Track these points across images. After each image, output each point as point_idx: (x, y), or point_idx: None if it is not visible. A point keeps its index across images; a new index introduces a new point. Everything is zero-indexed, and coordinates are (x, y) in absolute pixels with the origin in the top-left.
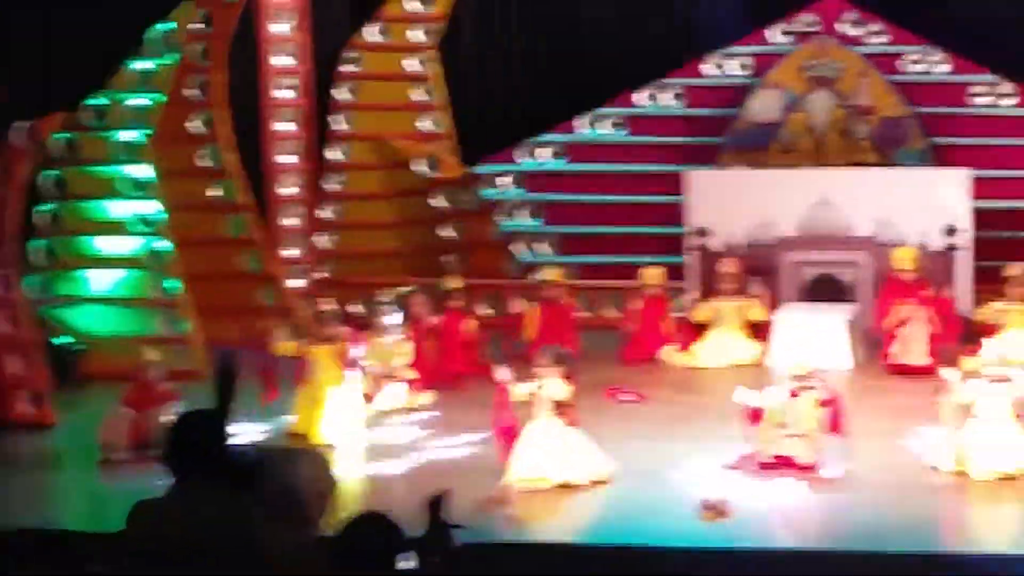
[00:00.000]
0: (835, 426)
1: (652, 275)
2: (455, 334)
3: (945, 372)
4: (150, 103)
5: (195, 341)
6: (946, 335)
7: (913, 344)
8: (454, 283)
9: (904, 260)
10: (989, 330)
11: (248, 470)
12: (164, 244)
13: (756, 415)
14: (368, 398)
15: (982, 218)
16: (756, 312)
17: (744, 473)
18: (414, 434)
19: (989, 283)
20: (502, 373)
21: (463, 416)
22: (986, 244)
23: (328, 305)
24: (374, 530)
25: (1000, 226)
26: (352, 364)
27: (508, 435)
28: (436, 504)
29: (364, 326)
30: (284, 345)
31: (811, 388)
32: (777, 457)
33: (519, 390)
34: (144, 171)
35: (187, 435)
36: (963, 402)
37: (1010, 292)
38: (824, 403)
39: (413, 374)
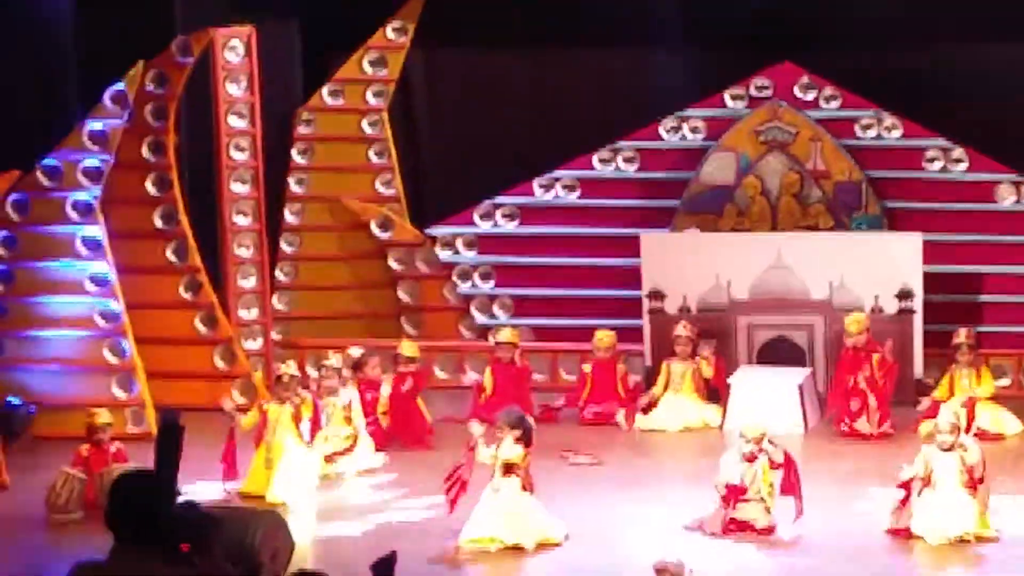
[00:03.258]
0: (789, 488)
1: (604, 338)
2: (409, 397)
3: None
4: (101, 164)
5: (147, 403)
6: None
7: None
8: (408, 346)
9: (854, 326)
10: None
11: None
12: (116, 305)
13: (734, 489)
14: (327, 459)
15: (932, 282)
16: (705, 369)
17: (699, 536)
18: (367, 495)
19: (938, 347)
20: (475, 428)
21: (416, 478)
22: (934, 308)
23: (285, 367)
24: None
25: (950, 290)
26: (311, 425)
27: (457, 489)
28: (382, 566)
29: (317, 388)
30: (245, 420)
31: (764, 451)
32: (733, 520)
33: (484, 452)
34: (95, 232)
35: (126, 496)
36: (917, 468)
37: (960, 357)
38: (778, 466)
39: (366, 436)
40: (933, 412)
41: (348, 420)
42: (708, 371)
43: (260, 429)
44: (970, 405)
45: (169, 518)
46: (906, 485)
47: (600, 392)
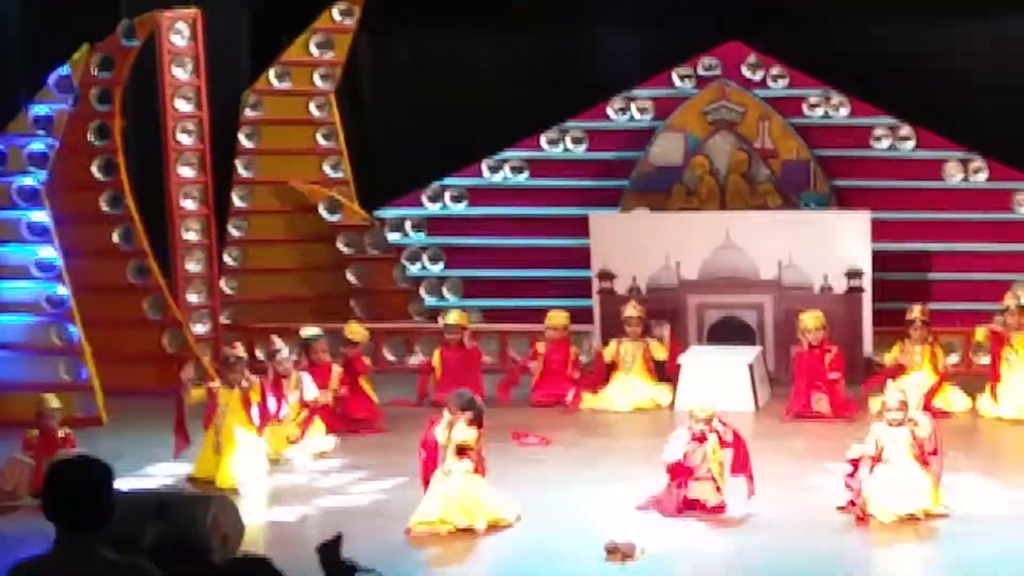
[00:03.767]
0: (740, 468)
1: (557, 318)
2: (356, 380)
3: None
4: (46, 149)
5: (95, 388)
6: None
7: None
8: (356, 328)
9: (812, 322)
10: (893, 372)
11: (139, 521)
12: (63, 290)
13: (679, 468)
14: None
15: (881, 260)
16: (657, 350)
17: (651, 515)
18: (317, 479)
19: (888, 325)
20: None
21: (364, 460)
22: (885, 286)
23: (235, 351)
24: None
25: (899, 268)
26: (260, 409)
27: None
28: (328, 549)
29: (264, 371)
30: (195, 394)
31: (714, 430)
32: (684, 499)
33: (439, 432)
34: (41, 216)
35: (66, 483)
36: (868, 447)
37: (913, 334)
38: (728, 445)
39: (314, 419)
40: (885, 379)
41: (301, 404)
42: (662, 353)
43: (209, 413)
44: (938, 381)
45: (112, 504)
46: (855, 462)
47: (551, 372)
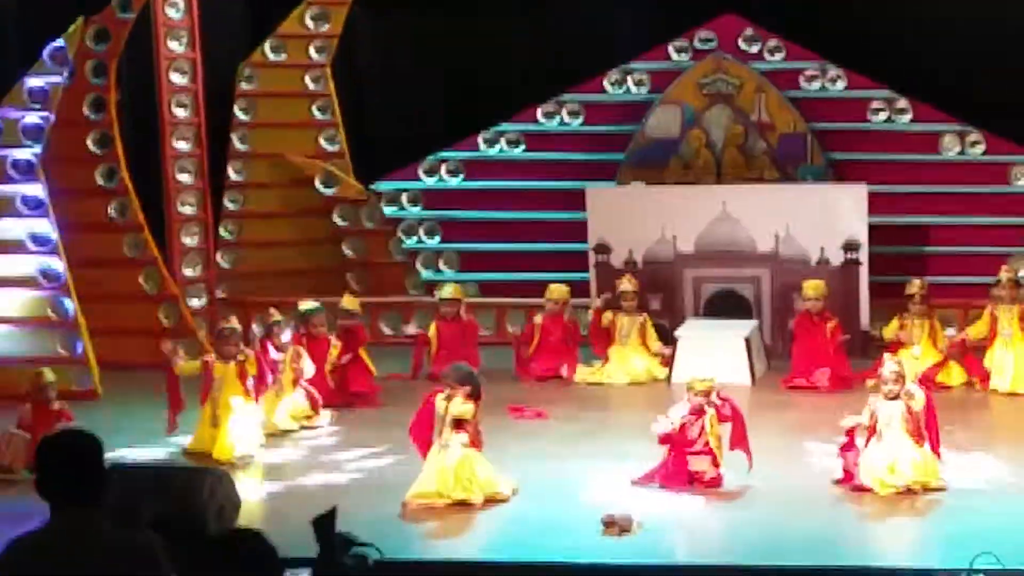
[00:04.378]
0: (738, 442)
1: (557, 291)
2: (354, 353)
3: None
4: (41, 122)
5: (91, 362)
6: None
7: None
8: (349, 300)
9: (812, 290)
10: (891, 346)
11: (137, 494)
12: (58, 264)
13: (669, 439)
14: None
15: (878, 233)
16: (652, 340)
17: (648, 489)
18: (314, 452)
19: (885, 298)
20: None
21: (362, 434)
22: (881, 260)
23: (229, 324)
24: (248, 548)
25: (895, 241)
26: (256, 383)
27: (423, 441)
28: (322, 522)
29: (262, 345)
30: (186, 365)
31: (712, 404)
32: (681, 473)
33: (439, 403)
34: (37, 190)
35: (60, 458)
36: (863, 418)
37: (912, 308)
38: (725, 419)
39: (312, 392)
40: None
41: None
42: (655, 344)
43: (206, 387)
44: (944, 359)
45: (103, 477)
46: (849, 433)
47: (549, 346)
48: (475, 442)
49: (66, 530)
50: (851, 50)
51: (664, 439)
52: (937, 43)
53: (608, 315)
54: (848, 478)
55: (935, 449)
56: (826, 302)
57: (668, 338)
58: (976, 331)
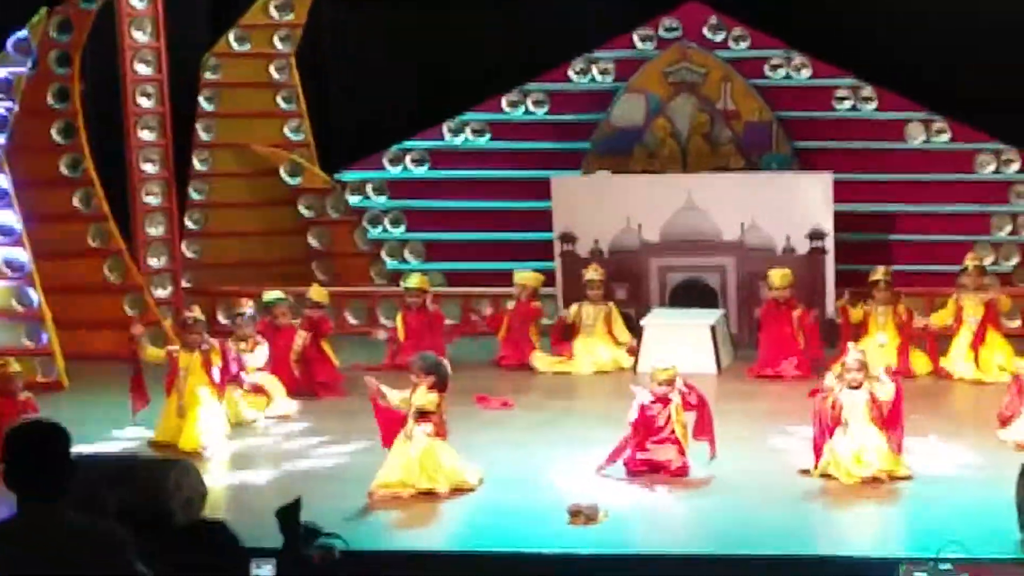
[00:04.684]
0: (702, 431)
1: (526, 278)
2: (319, 342)
3: (828, 378)
4: (5, 112)
5: (56, 352)
6: (810, 348)
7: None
8: (317, 291)
9: (779, 279)
10: (855, 333)
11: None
12: (23, 255)
13: (641, 426)
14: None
15: (843, 221)
16: (620, 331)
17: (613, 479)
18: (280, 443)
19: (851, 286)
20: (371, 384)
21: (326, 425)
22: (847, 248)
23: (194, 313)
24: (211, 538)
25: (860, 229)
26: (220, 372)
27: (391, 427)
28: (286, 513)
29: (227, 335)
30: (151, 352)
31: (680, 391)
32: (646, 461)
33: (396, 398)
34: (1, 180)
35: (21, 450)
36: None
37: (877, 295)
38: (691, 407)
39: (275, 382)
40: (844, 350)
41: (254, 366)
42: (624, 336)
43: (171, 377)
44: (903, 343)
45: (70, 467)
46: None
47: (516, 334)
48: (440, 432)
49: (32, 520)
50: (816, 38)
51: (635, 425)
52: (902, 31)
53: (573, 309)
54: (814, 468)
55: (899, 442)
56: (792, 291)
57: (634, 327)
58: (940, 319)
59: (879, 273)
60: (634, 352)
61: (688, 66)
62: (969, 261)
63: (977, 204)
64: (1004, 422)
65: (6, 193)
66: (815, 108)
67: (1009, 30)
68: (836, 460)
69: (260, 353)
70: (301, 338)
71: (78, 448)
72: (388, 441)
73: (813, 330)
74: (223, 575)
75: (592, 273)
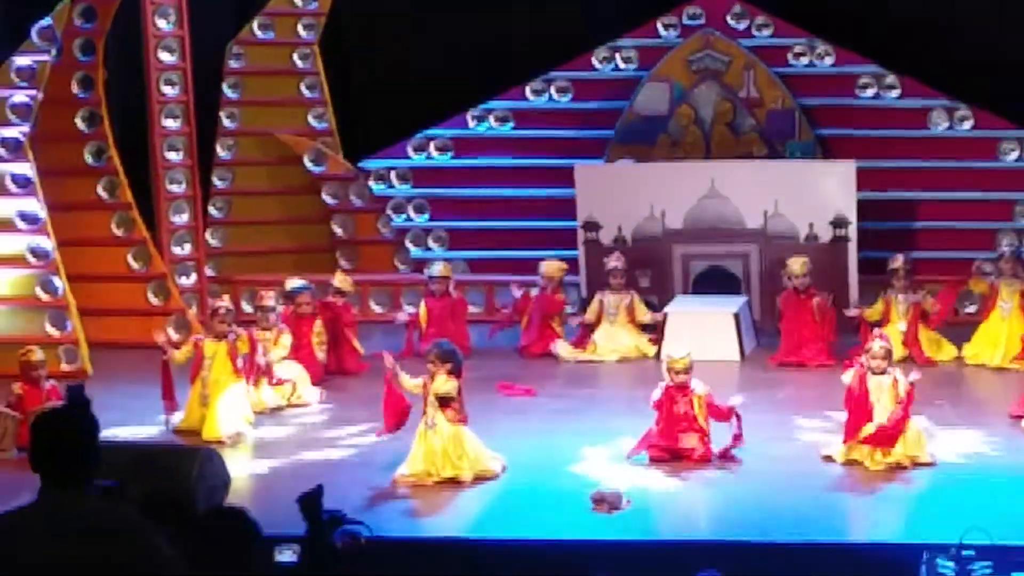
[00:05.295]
0: (723, 416)
1: (551, 268)
2: (342, 331)
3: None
4: (29, 100)
5: (80, 341)
6: (828, 334)
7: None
8: (341, 278)
9: (798, 267)
10: (878, 322)
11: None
12: (47, 243)
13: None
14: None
15: (866, 209)
16: (641, 312)
17: (638, 465)
18: (303, 431)
19: (874, 274)
20: (387, 360)
21: (350, 412)
22: (870, 236)
23: (220, 302)
24: (231, 526)
25: (883, 217)
26: (247, 361)
27: (395, 414)
28: (309, 500)
29: (251, 323)
30: (180, 354)
31: (701, 384)
32: (669, 449)
33: (408, 381)
34: (25, 169)
35: (51, 434)
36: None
37: (896, 282)
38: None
39: (300, 370)
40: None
41: (278, 353)
42: (645, 316)
43: (196, 365)
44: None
45: (97, 454)
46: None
47: (541, 323)
48: (461, 418)
49: (52, 505)
50: (839, 26)
51: (656, 405)
52: (926, 18)
53: (594, 306)
54: (838, 454)
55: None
56: (812, 278)
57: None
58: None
59: (897, 262)
60: (658, 335)
61: (711, 54)
62: (1005, 247)
63: (1001, 191)
64: None
65: (30, 181)
66: (838, 96)
67: None
68: (861, 446)
69: (284, 343)
70: (321, 326)
71: (102, 435)
72: (389, 425)
73: (830, 314)
74: (244, 562)
75: (615, 262)
